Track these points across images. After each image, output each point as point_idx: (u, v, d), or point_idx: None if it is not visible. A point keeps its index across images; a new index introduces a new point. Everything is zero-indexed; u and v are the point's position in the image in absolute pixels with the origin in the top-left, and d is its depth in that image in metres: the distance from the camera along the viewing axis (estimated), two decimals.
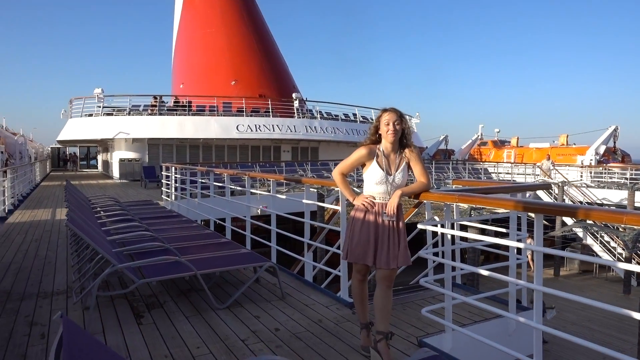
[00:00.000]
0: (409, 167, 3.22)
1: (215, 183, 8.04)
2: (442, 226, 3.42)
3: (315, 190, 11.25)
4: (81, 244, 4.88)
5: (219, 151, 23.14)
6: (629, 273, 16.74)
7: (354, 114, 26.04)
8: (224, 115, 22.17)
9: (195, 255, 4.67)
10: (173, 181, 10.69)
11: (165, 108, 22.28)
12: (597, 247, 18.91)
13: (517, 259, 3.73)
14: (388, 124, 3.09)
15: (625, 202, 18.85)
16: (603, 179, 22.51)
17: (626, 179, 21.31)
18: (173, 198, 10.72)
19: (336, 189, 12.12)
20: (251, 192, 6.63)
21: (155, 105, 22.14)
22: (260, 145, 23.90)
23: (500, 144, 35.26)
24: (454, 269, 3.36)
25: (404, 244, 3.19)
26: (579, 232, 18.50)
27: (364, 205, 3.15)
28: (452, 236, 3.44)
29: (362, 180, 3.34)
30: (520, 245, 2.96)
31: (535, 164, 24.13)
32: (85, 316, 3.77)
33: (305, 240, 4.97)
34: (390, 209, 3.09)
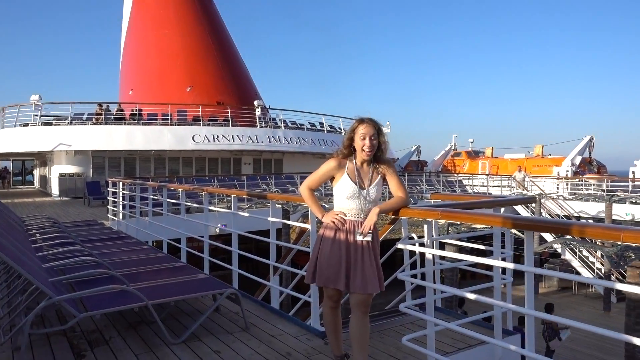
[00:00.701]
0: (384, 181, 3.21)
1: (168, 200, 7.83)
2: (422, 245, 3.38)
3: (280, 206, 11.14)
4: (11, 273, 4.57)
5: (173, 164, 22.70)
6: (608, 290, 17.33)
7: (321, 123, 26.17)
8: (178, 125, 21.87)
9: (146, 282, 4.47)
10: (121, 198, 10.43)
11: (112, 117, 21.71)
12: (575, 263, 19.52)
13: (502, 278, 3.71)
14: (364, 139, 3.08)
15: (603, 215, 19.59)
16: (580, 191, 23.36)
17: (602, 191, 22.18)
18: (121, 217, 10.48)
19: (303, 205, 12.04)
20: (209, 209, 6.46)
21: (100, 114, 21.54)
22: (218, 157, 23.61)
23: (474, 154, 36.16)
24: (435, 291, 3.30)
25: (379, 267, 3.16)
26: (558, 247, 19.06)
27: (334, 222, 3.12)
28: (433, 255, 3.41)
29: (331, 195, 3.30)
30: (509, 265, 2.94)
31: (511, 175, 24.83)
32: (16, 358, 3.50)
33: (270, 262, 4.86)
34: (367, 228, 3.04)
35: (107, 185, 12.29)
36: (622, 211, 19.48)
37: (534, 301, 2.61)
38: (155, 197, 8.58)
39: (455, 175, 27.74)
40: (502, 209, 3.74)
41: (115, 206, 10.97)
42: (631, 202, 19.90)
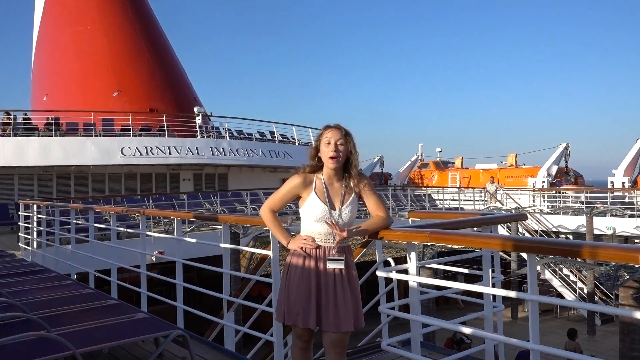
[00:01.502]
0: (359, 199, 3.19)
1: (96, 224, 7.55)
2: (405, 271, 3.34)
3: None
4: None
5: (98, 182, 22.00)
6: (592, 312, 17.97)
7: (272, 132, 26.11)
8: (103, 136, 21.31)
9: (72, 326, 4.22)
10: (35, 223, 10.00)
11: (22, 127, 20.87)
12: (556, 282, 20.18)
13: (493, 306, 3.72)
14: (329, 143, 3.06)
15: (583, 230, 20.39)
16: (557, 204, 24.26)
17: (581, 203, 23.12)
18: (35, 246, 10.14)
19: (255, 226, 11.86)
20: (147, 234, 6.23)
21: (8, 124, 20.63)
22: (152, 172, 23.09)
23: (443, 165, 37.00)
24: (423, 325, 3.25)
25: (358, 299, 3.13)
26: (538, 266, 19.67)
27: (301, 248, 3.08)
28: (418, 284, 3.36)
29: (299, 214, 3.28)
30: (502, 292, 2.92)
31: (483, 187, 25.52)
32: None
33: (224, 296, 4.74)
34: (336, 242, 3.07)
35: (17, 209, 11.71)
36: (603, 224, 20.34)
37: (514, 327, 2.59)
38: (79, 222, 8.23)
39: (424, 188, 28.25)
40: (492, 228, 3.76)
41: (28, 233, 10.45)
42: (612, 215, 20.82)
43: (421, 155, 38.60)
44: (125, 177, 22.60)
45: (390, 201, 20.60)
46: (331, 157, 3.04)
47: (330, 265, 3.04)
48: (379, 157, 37.88)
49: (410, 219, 4.54)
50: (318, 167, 3.15)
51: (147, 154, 20.98)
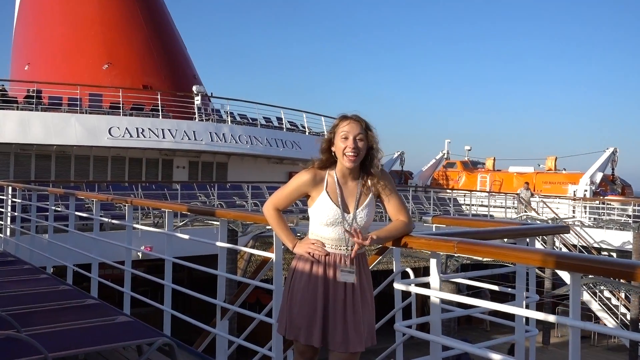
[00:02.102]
0: (377, 200, 3.18)
1: (77, 213, 7.58)
2: (426, 285, 3.30)
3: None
4: None
5: (82, 165, 22.09)
6: (635, 342, 17.82)
7: (279, 119, 26.11)
8: (90, 113, 21.37)
9: (45, 327, 4.25)
10: (9, 208, 10.10)
11: None
12: (595, 305, 20.04)
13: (526, 330, 3.66)
14: (346, 138, 3.03)
15: (629, 247, 20.22)
16: (601, 216, 24.07)
17: (628, 216, 22.93)
18: (8, 234, 10.18)
19: (256, 224, 11.85)
20: (134, 227, 6.28)
21: None
22: (143, 157, 23.17)
23: (472, 166, 36.87)
24: (445, 347, 3.22)
25: (371, 314, 3.14)
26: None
27: (309, 254, 3.08)
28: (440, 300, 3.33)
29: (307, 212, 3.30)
30: (538, 315, 2.87)
31: (516, 193, 25.39)
32: None
33: (218, 301, 4.73)
34: (354, 252, 3.05)
35: None
36: None
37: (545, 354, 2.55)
38: (59, 209, 8.28)
39: (449, 191, 28.15)
40: (529, 240, 3.71)
41: (1, 219, 10.52)
42: None
43: (447, 153, 38.45)
44: (113, 161, 22.70)
45: (410, 203, 20.55)
46: (348, 155, 3.01)
47: (342, 278, 3.03)
48: (399, 153, 37.71)
49: (434, 225, 4.50)
50: (330, 162, 3.13)
51: (138, 136, 21.06)
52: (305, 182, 3.10)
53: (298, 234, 3.71)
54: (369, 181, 3.12)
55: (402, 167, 37.96)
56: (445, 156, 38.32)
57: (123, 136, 20.86)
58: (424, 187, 29.82)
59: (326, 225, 3.07)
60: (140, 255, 12.26)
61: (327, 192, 3.07)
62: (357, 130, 3.02)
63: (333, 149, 3.09)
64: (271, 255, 4.21)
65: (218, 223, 11.50)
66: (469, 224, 4.49)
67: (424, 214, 18.86)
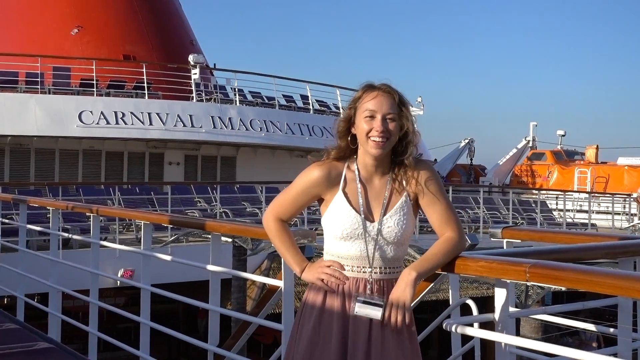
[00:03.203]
0: (416, 206, 3.10)
1: (30, 226, 7.61)
2: (489, 325, 3.18)
3: (230, 241, 10.94)
4: None
5: (44, 161, 22.41)
6: None
7: (304, 97, 26.10)
8: (55, 93, 21.60)
9: None
10: None
11: None
12: None
13: None
14: (372, 118, 2.95)
15: None
16: None
17: None
18: None
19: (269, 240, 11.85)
20: (101, 244, 6.29)
21: None
22: (124, 150, 23.40)
23: (566, 157, 36.35)
24: None
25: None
26: None
27: (323, 282, 3.04)
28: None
29: (319, 220, 3.31)
30: None
31: (629, 194, 24.92)
32: None
33: (209, 346, 4.73)
34: (394, 315, 2.91)
35: None
36: None
37: None
38: (6, 221, 8.35)
39: (535, 191, 27.77)
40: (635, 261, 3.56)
41: None
42: None
43: (533, 140, 38.00)
44: (85, 156, 22.93)
45: (482, 209, 20.35)
46: (375, 141, 2.92)
47: (361, 311, 2.93)
48: (467, 141, 37.48)
49: (505, 240, 4.37)
50: (350, 150, 3.07)
51: (118, 123, 21.24)
52: (316, 180, 3.04)
53: (315, 254, 3.62)
54: (404, 177, 3.04)
55: (471, 159, 37.72)
56: (530, 144, 37.88)
57: (98, 123, 21.07)
58: (502, 187, 29.52)
59: (343, 239, 3.00)
60: (119, 283, 12.31)
61: (345, 193, 3.01)
62: (387, 106, 2.94)
63: (353, 130, 3.02)
64: (279, 283, 4.18)
65: (222, 238, 11.58)
66: (554, 237, 4.36)
67: (498, 222, 18.63)
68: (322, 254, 3.25)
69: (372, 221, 3.00)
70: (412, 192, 3.03)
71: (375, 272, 3.00)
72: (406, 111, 2.99)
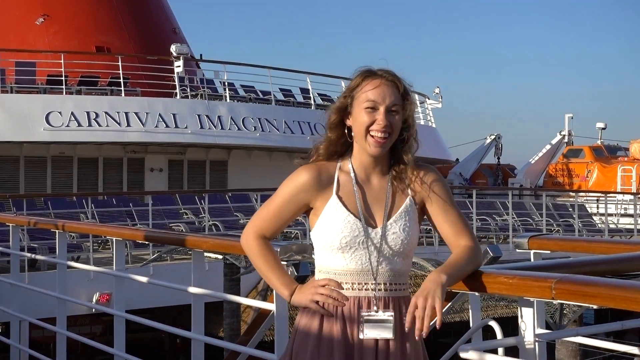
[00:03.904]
0: (421, 212, 3.08)
1: None
2: (513, 353, 3.15)
3: (219, 258, 10.94)
4: None
5: (6, 170, 22.52)
6: None
7: (304, 90, 26.19)
8: (18, 91, 21.72)
9: None
10: None
11: None
12: None
13: None
14: (375, 109, 2.92)
15: None
16: None
17: None
18: None
19: None
20: (68, 265, 6.27)
21: None
22: (99, 156, 23.48)
23: (608, 153, 36.29)
24: None
25: None
26: None
27: (318, 304, 2.99)
28: None
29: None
30: None
31: None
32: None
33: None
34: (420, 324, 2.79)
35: None
36: None
37: None
38: None
39: (572, 193, 27.68)
40: None
41: None
42: None
43: (569, 134, 37.92)
44: (54, 164, 22.99)
45: (511, 214, 20.32)
46: (377, 137, 2.89)
47: (370, 333, 2.91)
48: (493, 137, 37.37)
49: (532, 251, 4.34)
50: (342, 146, 3.03)
51: (91, 124, 21.27)
52: (304, 184, 2.98)
53: (311, 273, 3.60)
54: (405, 176, 3.01)
55: (498, 158, 37.62)
56: (566, 140, 37.79)
57: (68, 125, 21.09)
58: (534, 189, 29.47)
59: (340, 251, 2.95)
60: (95, 310, 12.30)
61: (340, 197, 2.96)
62: (392, 97, 2.91)
63: (348, 122, 2.98)
64: (270, 306, 4.15)
65: (213, 255, 11.54)
66: (588, 247, 4.32)
67: (529, 230, 18.58)
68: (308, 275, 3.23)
69: (374, 226, 2.96)
70: (417, 195, 3.01)
71: (379, 289, 2.96)
72: (409, 102, 2.97)
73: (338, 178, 2.99)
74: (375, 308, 2.93)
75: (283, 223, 3.13)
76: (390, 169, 3.02)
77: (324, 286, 2.98)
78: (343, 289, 2.97)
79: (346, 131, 3.00)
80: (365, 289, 2.95)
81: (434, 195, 2.99)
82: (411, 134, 2.98)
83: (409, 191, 3.00)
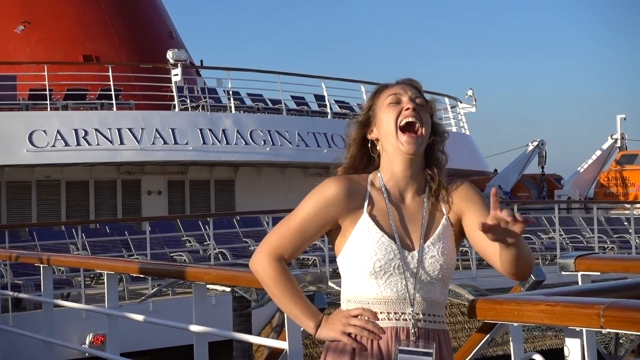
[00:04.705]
0: (459, 232, 3.07)
1: None
2: None
3: (227, 291, 10.92)
4: None
5: None
6: None
7: (319, 97, 26.20)
8: None
9: None
10: None
11: None
12: None
13: None
14: (398, 103, 2.98)
15: None
16: None
17: None
18: None
19: None
20: (56, 303, 6.29)
21: None
22: (89, 179, 23.58)
23: None
24: None
25: None
26: None
27: (350, 337, 2.93)
28: None
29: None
30: None
31: None
32: None
33: None
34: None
35: None
36: None
37: None
38: None
39: (628, 205, 27.56)
40: None
41: None
42: None
43: (622, 138, 37.83)
44: (39, 189, 23.11)
45: (558, 231, 20.20)
46: (408, 123, 2.91)
47: None
48: (536, 144, 37.37)
49: (579, 274, 4.33)
50: (366, 163, 3.05)
51: (80, 143, 21.34)
52: (333, 198, 2.94)
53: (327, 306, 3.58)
54: (444, 193, 3.00)
55: (542, 168, 37.61)
56: (619, 144, 37.71)
57: (54, 145, 21.17)
58: (584, 202, 29.36)
59: (373, 277, 2.92)
60: (87, 354, 12.28)
61: (371, 216, 2.94)
62: (415, 91, 2.99)
63: (372, 135, 3.02)
64: (283, 344, 4.15)
65: (220, 288, 11.52)
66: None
67: (579, 249, 18.48)
68: (338, 303, 3.18)
69: (411, 249, 2.95)
70: (452, 213, 3.01)
71: (418, 319, 2.93)
72: (432, 106, 3.03)
73: (370, 194, 2.98)
74: (414, 339, 2.90)
75: (305, 242, 3.08)
76: (427, 185, 3.03)
77: (357, 316, 2.94)
78: (378, 319, 2.93)
79: (370, 146, 3.03)
80: (403, 319, 2.93)
81: (473, 208, 2.99)
82: (441, 139, 3.02)
83: (444, 210, 3.01)
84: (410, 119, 2.90)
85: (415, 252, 2.93)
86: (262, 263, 3.08)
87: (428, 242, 2.95)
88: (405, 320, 2.92)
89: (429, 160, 3.02)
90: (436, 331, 2.96)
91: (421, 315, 2.94)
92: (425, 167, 3.03)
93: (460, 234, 3.06)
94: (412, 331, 2.91)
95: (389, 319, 2.92)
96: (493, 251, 2.94)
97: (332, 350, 2.99)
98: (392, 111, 2.94)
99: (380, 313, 2.93)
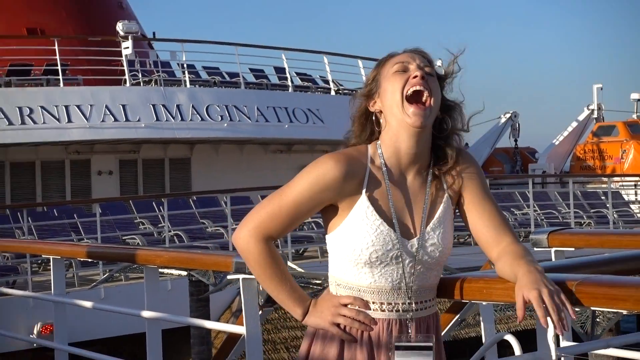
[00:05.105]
0: (458, 209, 3.05)
1: None
2: None
3: (183, 275, 10.89)
4: None
5: None
6: None
7: (280, 69, 26.24)
8: None
9: None
10: None
11: None
12: None
13: None
14: (405, 71, 2.91)
15: None
16: None
17: None
18: None
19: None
20: (0, 291, 6.26)
21: None
22: (36, 159, 23.48)
23: None
24: None
25: None
26: None
27: (339, 327, 2.93)
28: None
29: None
30: None
31: None
32: None
33: None
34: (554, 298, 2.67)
35: None
36: None
37: None
38: None
39: (605, 178, 27.78)
40: None
41: None
42: None
43: (599, 108, 38.07)
44: None
45: (532, 206, 20.40)
46: (416, 92, 2.85)
47: None
48: (508, 116, 37.56)
49: (552, 249, 4.35)
50: (369, 138, 2.99)
51: (24, 122, 21.30)
52: (331, 182, 2.86)
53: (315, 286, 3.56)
54: (447, 171, 2.97)
55: (515, 141, 37.79)
56: (595, 115, 37.95)
57: None
58: (559, 175, 29.57)
59: (368, 266, 2.89)
60: (35, 345, 12.26)
61: (371, 198, 2.89)
62: (422, 59, 2.92)
63: (374, 107, 2.96)
64: (240, 329, 4.13)
65: (177, 272, 11.56)
66: (618, 242, 4.33)
67: (555, 224, 18.62)
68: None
69: (411, 237, 2.92)
70: (451, 190, 2.98)
71: (412, 309, 2.93)
72: (448, 73, 2.99)
73: (369, 173, 2.92)
74: (410, 332, 2.91)
75: (295, 223, 3.04)
76: (431, 163, 2.97)
77: (347, 305, 2.92)
78: (370, 309, 2.91)
79: (372, 124, 2.98)
80: (396, 310, 2.92)
81: (472, 186, 2.98)
82: (455, 112, 2.98)
83: (445, 186, 2.98)
84: (418, 87, 2.83)
85: (415, 241, 2.90)
86: (247, 242, 3.00)
87: (429, 228, 2.92)
88: (399, 311, 2.91)
89: (437, 139, 2.97)
90: (426, 318, 2.97)
91: (414, 305, 2.92)
92: (432, 148, 2.97)
93: (453, 210, 3.05)
94: (409, 324, 2.91)
95: (381, 310, 2.91)
96: (487, 238, 2.96)
97: (320, 340, 2.97)
98: (397, 80, 2.88)
99: (373, 303, 2.91)
